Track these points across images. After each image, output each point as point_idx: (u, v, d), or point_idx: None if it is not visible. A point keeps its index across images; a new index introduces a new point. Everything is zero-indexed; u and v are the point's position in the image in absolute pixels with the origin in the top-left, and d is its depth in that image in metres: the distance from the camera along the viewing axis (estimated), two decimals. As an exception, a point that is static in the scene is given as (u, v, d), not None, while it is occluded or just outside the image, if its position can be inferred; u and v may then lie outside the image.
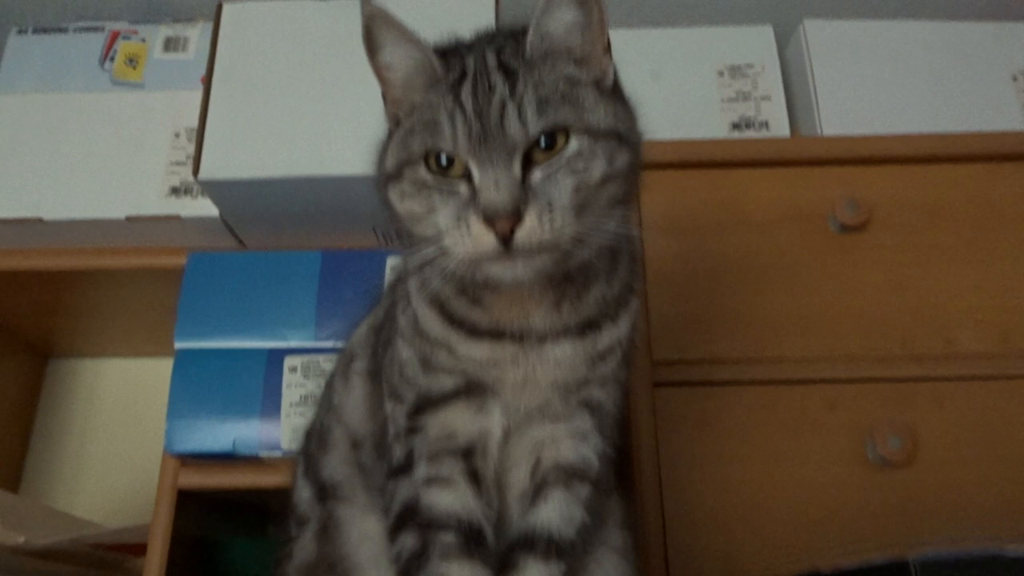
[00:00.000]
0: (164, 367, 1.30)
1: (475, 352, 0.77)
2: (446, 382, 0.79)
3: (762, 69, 1.43)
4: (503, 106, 0.66)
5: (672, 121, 1.37)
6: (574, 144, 0.66)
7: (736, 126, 1.41)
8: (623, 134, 0.68)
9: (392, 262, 1.33)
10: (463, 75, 0.69)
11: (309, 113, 1.29)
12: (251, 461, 1.26)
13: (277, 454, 1.24)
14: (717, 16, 1.57)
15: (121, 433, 1.79)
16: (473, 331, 0.76)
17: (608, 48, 0.71)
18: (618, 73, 0.75)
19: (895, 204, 1.31)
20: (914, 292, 1.26)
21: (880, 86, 1.42)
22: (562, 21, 0.68)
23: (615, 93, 0.72)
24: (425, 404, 0.79)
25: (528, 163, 0.66)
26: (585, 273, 0.75)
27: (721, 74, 1.44)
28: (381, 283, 1.33)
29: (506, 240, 0.64)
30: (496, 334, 0.76)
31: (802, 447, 1.18)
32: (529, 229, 0.63)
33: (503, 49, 0.70)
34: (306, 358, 1.29)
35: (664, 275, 1.28)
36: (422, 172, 0.69)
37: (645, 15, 1.57)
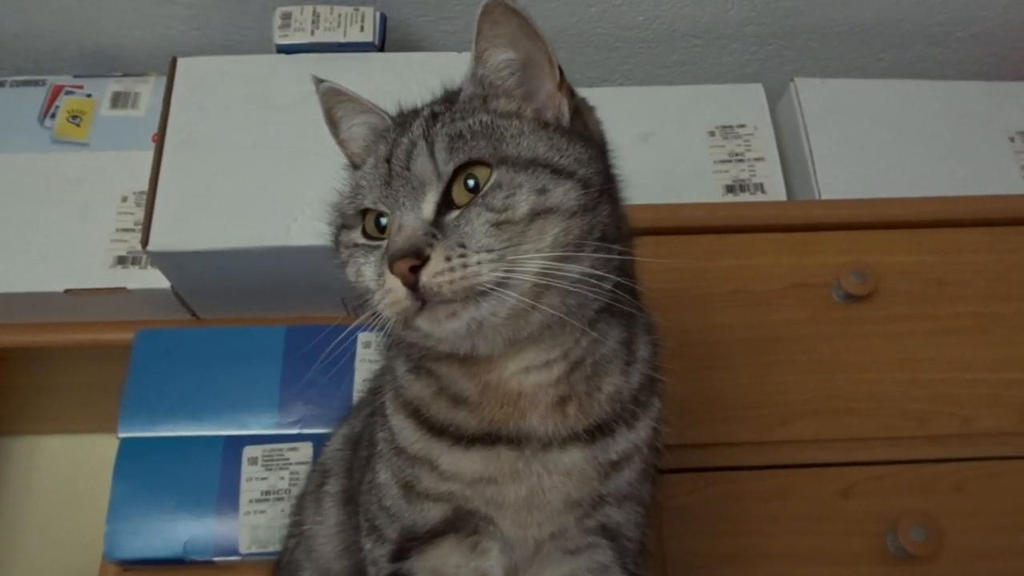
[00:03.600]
0: (108, 444, 1.16)
1: (464, 465, 0.65)
2: (432, 513, 0.67)
3: (754, 129, 1.37)
4: (412, 146, 0.61)
5: (663, 185, 1.29)
6: (493, 177, 0.59)
7: (731, 189, 1.33)
8: (562, 166, 0.60)
9: (365, 338, 1.22)
10: (397, 129, 0.65)
11: (272, 177, 1.18)
12: (205, 567, 1.11)
13: (235, 559, 1.10)
14: (703, 74, 1.51)
15: (58, 517, 1.63)
16: (459, 438, 0.65)
17: (562, 84, 0.65)
18: (588, 112, 0.69)
19: (900, 272, 1.24)
20: (927, 368, 1.18)
21: (875, 147, 1.36)
22: (496, 63, 0.63)
23: (570, 130, 0.64)
24: (409, 543, 0.67)
25: (450, 205, 0.59)
26: (594, 357, 0.65)
27: (712, 134, 1.37)
28: (351, 360, 1.22)
29: (412, 285, 0.56)
30: (488, 439, 0.65)
31: (818, 541, 1.08)
32: (433, 269, 0.56)
33: (441, 101, 0.67)
34: (268, 447, 1.16)
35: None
36: (354, 235, 0.64)
37: (629, 73, 1.51)
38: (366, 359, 1.20)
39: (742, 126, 1.37)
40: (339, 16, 1.28)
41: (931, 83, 1.41)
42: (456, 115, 0.62)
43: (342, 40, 1.27)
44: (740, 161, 1.34)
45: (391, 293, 0.57)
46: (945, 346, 1.20)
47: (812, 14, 1.43)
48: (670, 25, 1.43)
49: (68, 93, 1.39)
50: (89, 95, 1.38)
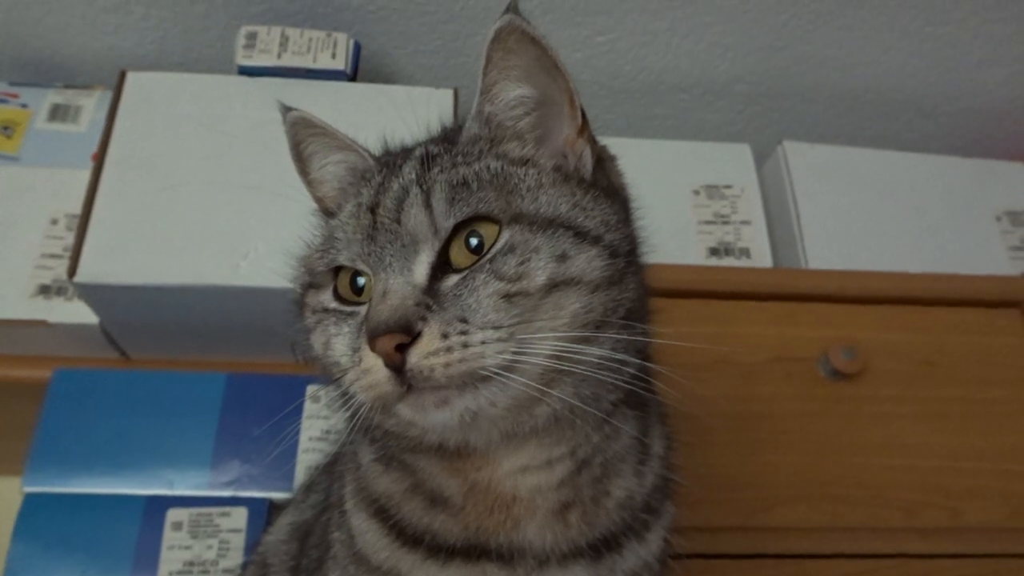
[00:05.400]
0: (12, 489, 1.03)
1: None
2: None
3: (741, 191, 1.30)
4: (404, 194, 0.50)
5: (644, 242, 1.21)
6: (504, 238, 0.49)
7: (715, 252, 1.26)
8: (586, 229, 0.51)
9: (313, 391, 1.10)
10: (383, 171, 0.54)
11: (222, 209, 1.07)
12: (111, 649, 0.97)
13: (147, 641, 0.96)
14: (687, 130, 1.45)
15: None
16: (436, 549, 0.54)
17: (583, 129, 0.56)
18: (610, 163, 0.60)
19: (886, 350, 1.18)
20: (915, 454, 1.12)
21: (863, 217, 1.32)
22: (507, 100, 0.54)
23: (593, 183, 0.55)
24: None
25: (446, 267, 0.49)
26: (605, 456, 0.55)
27: (697, 193, 1.30)
28: (298, 415, 1.10)
29: (397, 367, 0.45)
30: (472, 553, 0.54)
31: (803, 644, 1.00)
32: (425, 348, 0.45)
33: (437, 140, 0.57)
34: (195, 511, 1.03)
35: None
36: (324, 297, 0.53)
37: (610, 124, 1.44)
38: (314, 415, 1.09)
39: (728, 187, 1.31)
40: (309, 40, 1.18)
41: (920, 156, 1.38)
42: (458, 158, 0.52)
43: (311, 66, 1.17)
44: (725, 223, 1.28)
45: (368, 375, 0.46)
46: (934, 431, 1.14)
47: (802, 76, 1.39)
48: (657, 77, 1.38)
49: (1, 102, 1.27)
50: (25, 105, 1.27)
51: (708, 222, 1.28)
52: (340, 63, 1.18)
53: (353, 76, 1.20)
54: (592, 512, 0.55)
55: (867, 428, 1.13)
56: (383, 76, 1.34)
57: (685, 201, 1.31)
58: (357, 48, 1.21)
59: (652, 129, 1.45)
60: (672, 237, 1.27)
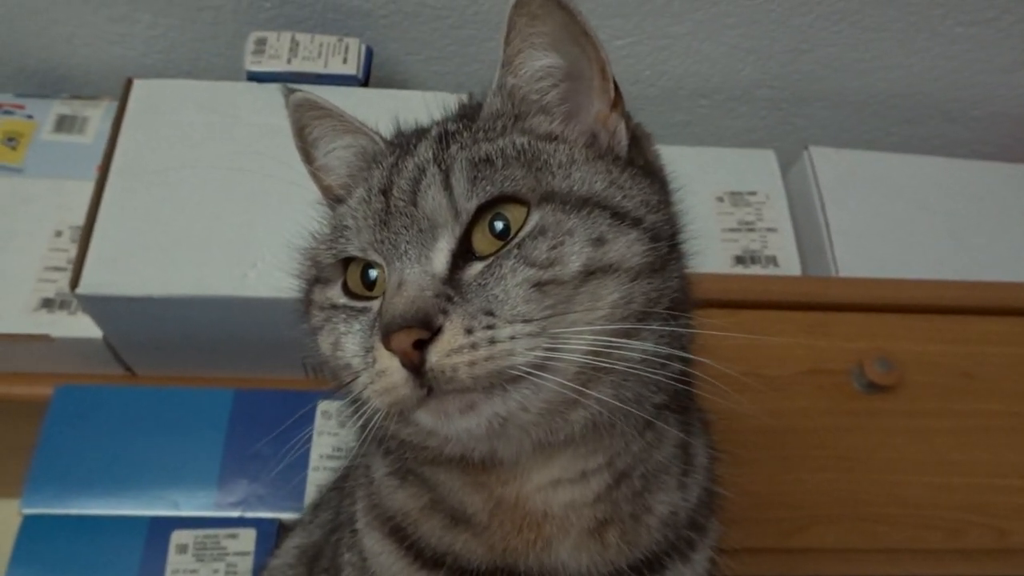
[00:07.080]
0: (11, 511, 0.99)
1: None
2: None
3: (766, 198, 1.26)
4: (420, 174, 0.45)
5: (667, 250, 1.16)
6: (533, 219, 0.44)
7: (740, 260, 1.21)
8: (625, 209, 0.47)
9: (325, 407, 1.06)
10: (396, 152, 0.50)
11: (230, 217, 1.04)
12: None
13: (150, 670, 0.91)
14: (709, 137, 1.41)
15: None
16: (458, 572, 0.49)
17: (617, 103, 0.51)
18: (646, 141, 0.55)
19: (922, 361, 1.13)
20: (957, 471, 1.07)
21: (894, 223, 1.27)
22: (532, 70, 0.49)
23: (630, 162, 0.50)
24: None
25: (468, 255, 0.44)
26: (645, 467, 0.50)
27: (720, 200, 1.26)
28: (309, 434, 1.05)
29: (416, 367, 0.40)
30: None
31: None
32: (447, 345, 0.40)
33: (455, 117, 0.52)
34: (201, 533, 0.99)
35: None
36: (332, 293, 0.48)
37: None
38: (326, 431, 1.05)
39: (752, 193, 1.27)
40: (320, 45, 1.15)
41: (951, 161, 1.33)
42: (479, 135, 0.48)
43: (322, 71, 1.14)
44: (751, 231, 1.23)
45: (384, 377, 0.42)
46: (976, 447, 1.08)
47: (826, 81, 1.34)
48: (677, 82, 1.34)
49: (6, 113, 1.25)
50: (30, 116, 1.25)
51: (732, 229, 1.23)
52: (352, 68, 1.15)
53: (365, 81, 1.17)
54: (632, 530, 0.50)
55: (905, 443, 1.08)
56: (395, 82, 1.31)
57: (708, 208, 1.26)
58: (369, 53, 1.18)
59: (672, 136, 1.41)
60: (696, 246, 1.22)
